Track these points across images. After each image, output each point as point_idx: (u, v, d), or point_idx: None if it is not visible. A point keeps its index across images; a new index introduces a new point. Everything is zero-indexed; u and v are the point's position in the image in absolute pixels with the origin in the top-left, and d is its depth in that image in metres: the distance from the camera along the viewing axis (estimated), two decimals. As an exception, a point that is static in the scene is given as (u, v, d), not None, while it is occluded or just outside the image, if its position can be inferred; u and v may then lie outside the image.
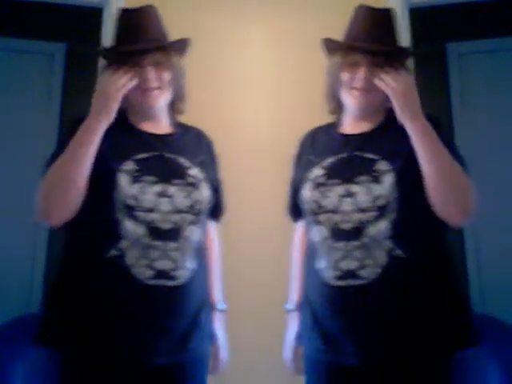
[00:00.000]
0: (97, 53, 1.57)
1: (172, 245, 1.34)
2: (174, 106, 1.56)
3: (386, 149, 1.40)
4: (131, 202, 1.34)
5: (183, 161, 1.44)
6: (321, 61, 1.59)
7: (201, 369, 1.45)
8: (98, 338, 1.30)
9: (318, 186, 1.41)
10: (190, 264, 1.37)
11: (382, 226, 1.33)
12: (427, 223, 1.37)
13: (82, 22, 2.86)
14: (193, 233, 1.39)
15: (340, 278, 1.34)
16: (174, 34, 1.53)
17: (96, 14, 2.33)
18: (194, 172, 1.43)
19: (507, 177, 2.89)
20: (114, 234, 1.33)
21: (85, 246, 1.36)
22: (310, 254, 1.45)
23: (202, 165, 1.47)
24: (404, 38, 2.21)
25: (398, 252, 1.32)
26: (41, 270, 2.91)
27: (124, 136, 1.44)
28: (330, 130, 1.57)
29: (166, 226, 1.34)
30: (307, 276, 1.48)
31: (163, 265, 1.32)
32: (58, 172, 1.34)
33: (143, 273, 1.31)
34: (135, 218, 1.33)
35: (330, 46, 1.54)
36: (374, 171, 1.37)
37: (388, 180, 1.35)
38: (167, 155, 1.43)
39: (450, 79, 3.09)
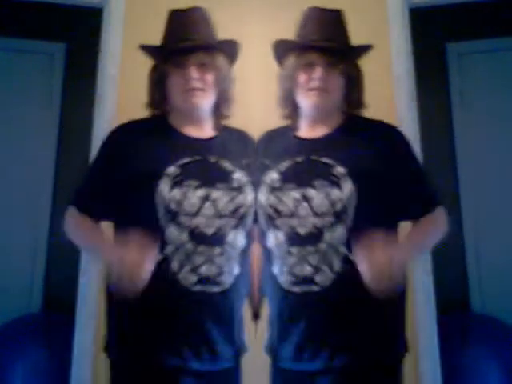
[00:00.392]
0: (144, 51, 1.53)
1: (216, 250, 1.32)
2: (219, 110, 1.52)
3: (343, 155, 1.38)
4: (173, 206, 1.32)
5: (227, 164, 1.41)
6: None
7: (234, 378, 1.43)
8: (143, 343, 1.30)
9: (274, 190, 1.39)
10: (233, 269, 1.35)
11: (339, 232, 1.32)
12: (380, 230, 1.32)
13: (82, 21, 2.86)
14: (236, 237, 1.37)
15: (295, 283, 1.32)
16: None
17: (96, 13, 2.32)
18: (238, 176, 1.41)
19: (507, 177, 2.89)
20: (159, 239, 1.30)
21: None
22: (266, 259, 1.42)
23: (247, 168, 1.44)
24: (404, 37, 2.22)
25: (353, 257, 1.30)
26: (41, 271, 2.91)
27: (167, 141, 1.42)
28: (286, 133, 1.53)
29: (210, 230, 1.32)
30: (265, 282, 1.45)
31: (208, 270, 1.31)
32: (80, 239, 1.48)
33: (188, 279, 1.30)
34: (178, 224, 1.31)
35: (285, 47, 1.51)
36: (332, 175, 1.34)
37: (346, 185, 1.33)
38: (210, 159, 1.41)
39: (450, 79, 3.09)
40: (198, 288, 1.30)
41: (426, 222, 1.43)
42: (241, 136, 1.56)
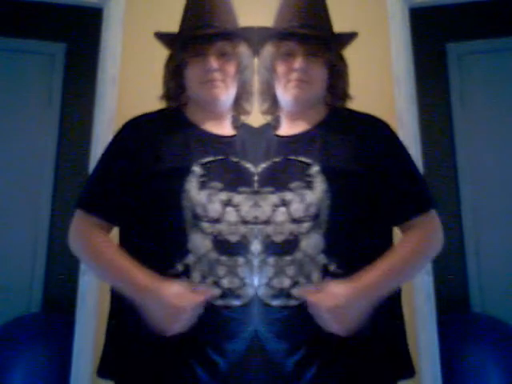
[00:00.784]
0: (159, 39, 1.40)
1: (240, 260, 1.21)
2: (239, 104, 1.41)
3: (321, 152, 1.25)
4: (199, 211, 1.20)
5: (249, 166, 1.29)
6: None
7: None
8: (154, 361, 1.17)
9: (251, 194, 1.26)
10: (254, 281, 1.23)
11: (315, 239, 1.19)
12: (364, 236, 1.23)
13: (82, 21, 2.86)
14: (258, 246, 1.25)
15: (274, 296, 1.20)
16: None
17: (96, 13, 2.32)
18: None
19: (507, 177, 2.90)
20: (181, 247, 1.19)
21: (151, 260, 1.20)
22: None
23: None
24: (404, 37, 2.22)
25: (333, 267, 1.18)
26: (41, 270, 2.91)
27: (186, 137, 1.29)
28: (265, 131, 1.41)
29: (233, 238, 1.21)
30: None
31: (230, 283, 1.19)
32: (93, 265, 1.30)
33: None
34: (202, 230, 1.19)
35: (262, 35, 1.38)
36: (307, 176, 1.22)
37: (320, 186, 1.21)
38: (232, 159, 1.29)
39: (450, 79, 3.09)
40: (219, 302, 1.18)
41: (411, 239, 1.25)
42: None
